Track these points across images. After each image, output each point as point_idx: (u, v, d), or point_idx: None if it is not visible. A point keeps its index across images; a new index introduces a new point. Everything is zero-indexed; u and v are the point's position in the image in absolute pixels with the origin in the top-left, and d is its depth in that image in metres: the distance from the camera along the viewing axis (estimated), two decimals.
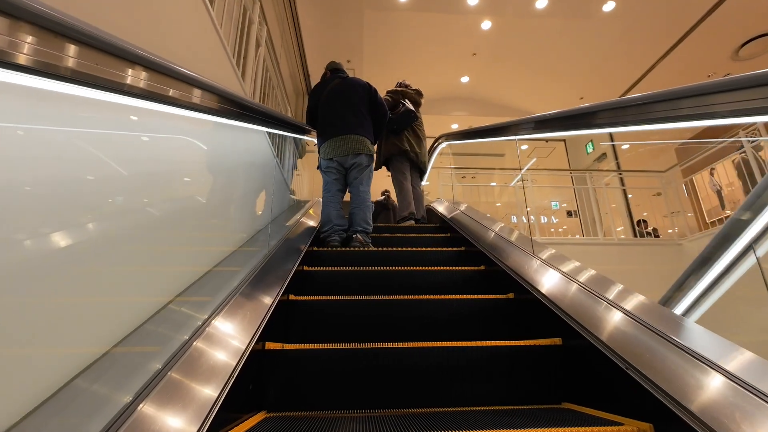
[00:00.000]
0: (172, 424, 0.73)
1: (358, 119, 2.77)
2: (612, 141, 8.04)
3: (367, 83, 2.96)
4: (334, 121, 2.79)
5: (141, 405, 0.71)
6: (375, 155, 2.93)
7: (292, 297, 1.57)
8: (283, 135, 3.05)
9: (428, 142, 4.22)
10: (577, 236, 6.98)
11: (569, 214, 9.49)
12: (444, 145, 4.38)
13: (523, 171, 6.35)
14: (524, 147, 9.67)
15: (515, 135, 2.43)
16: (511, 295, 1.67)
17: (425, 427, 0.90)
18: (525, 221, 7.22)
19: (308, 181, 5.56)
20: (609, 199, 7.91)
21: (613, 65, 7.14)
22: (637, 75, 7.35)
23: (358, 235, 2.63)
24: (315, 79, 7.51)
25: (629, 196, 7.54)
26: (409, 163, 3.73)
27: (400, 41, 6.72)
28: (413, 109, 3.75)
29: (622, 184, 7.45)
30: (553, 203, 10.30)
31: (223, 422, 0.84)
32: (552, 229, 10.96)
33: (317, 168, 2.96)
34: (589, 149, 8.59)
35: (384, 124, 3.03)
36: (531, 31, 6.53)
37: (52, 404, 0.67)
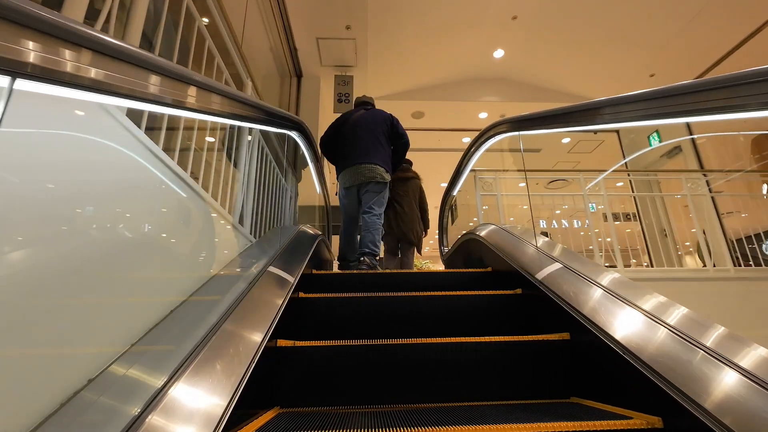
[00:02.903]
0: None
1: (375, 148, 2.82)
2: (690, 133, 6.29)
3: (390, 115, 3.04)
4: (352, 150, 2.84)
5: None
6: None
7: None
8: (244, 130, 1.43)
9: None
10: (660, 267, 5.24)
11: (606, 217, 7.95)
12: (499, 138, 2.69)
13: (604, 174, 4.66)
14: (565, 140, 7.93)
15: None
16: None
17: (435, 421, 0.90)
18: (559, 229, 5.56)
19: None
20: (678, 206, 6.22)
21: (697, 34, 5.38)
22: (728, 47, 5.58)
23: (365, 258, 2.66)
24: (304, 55, 5.79)
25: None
26: (389, 235, 3.80)
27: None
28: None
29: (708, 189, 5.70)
30: (590, 205, 8.66)
31: (240, 417, 0.86)
32: (581, 233, 9.39)
33: (336, 195, 3.08)
34: (654, 142, 6.82)
35: (404, 153, 3.09)
36: None
37: None
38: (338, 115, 6.33)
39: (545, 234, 6.73)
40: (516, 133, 2.40)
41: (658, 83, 5.75)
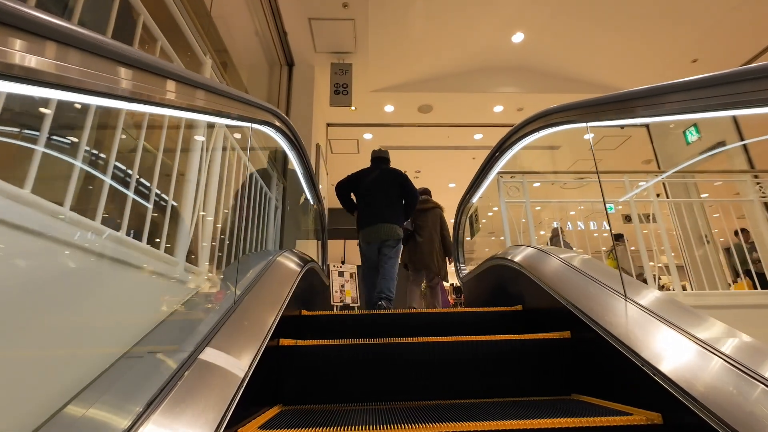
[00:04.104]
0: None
1: (390, 209, 3.16)
2: (736, 127, 5.56)
3: (400, 173, 3.26)
4: (371, 212, 3.17)
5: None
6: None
7: None
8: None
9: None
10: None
11: (628, 219, 7.24)
12: (551, 131, 1.98)
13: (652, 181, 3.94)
14: (588, 136, 7.18)
15: None
16: None
17: (437, 418, 0.87)
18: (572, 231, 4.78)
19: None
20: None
21: (750, 13, 4.64)
22: None
23: (382, 302, 2.96)
24: (296, 40, 4.88)
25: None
26: (411, 266, 3.95)
27: None
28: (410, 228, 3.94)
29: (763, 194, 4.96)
30: (608, 206, 7.93)
31: (243, 415, 0.84)
32: (594, 234, 8.67)
33: (358, 245, 3.29)
34: (691, 137, 6.07)
35: (413, 205, 3.29)
36: None
37: None
38: (334, 109, 5.65)
39: (618, 237, 5.79)
40: (582, 124, 1.69)
41: (700, 70, 5.03)
